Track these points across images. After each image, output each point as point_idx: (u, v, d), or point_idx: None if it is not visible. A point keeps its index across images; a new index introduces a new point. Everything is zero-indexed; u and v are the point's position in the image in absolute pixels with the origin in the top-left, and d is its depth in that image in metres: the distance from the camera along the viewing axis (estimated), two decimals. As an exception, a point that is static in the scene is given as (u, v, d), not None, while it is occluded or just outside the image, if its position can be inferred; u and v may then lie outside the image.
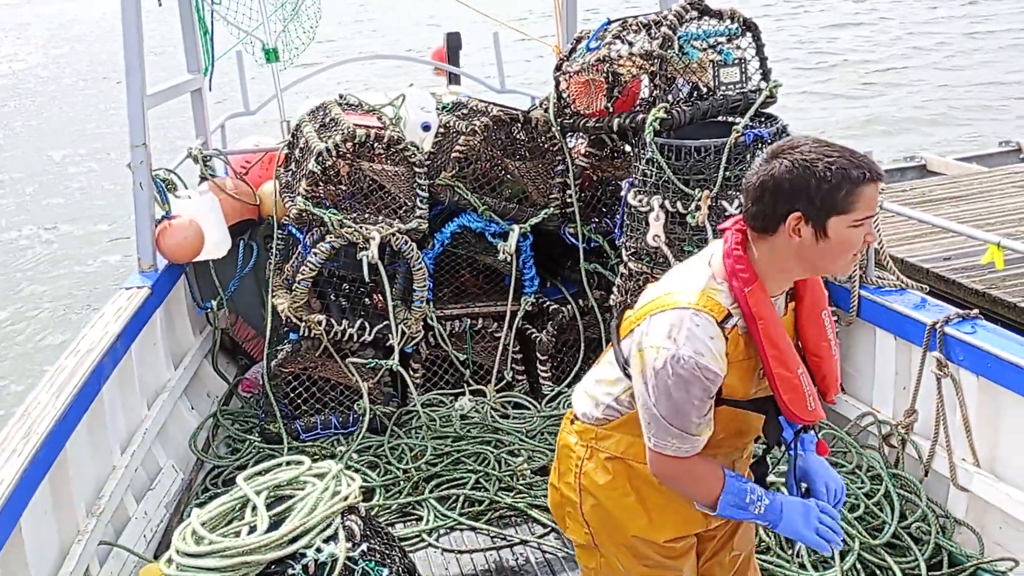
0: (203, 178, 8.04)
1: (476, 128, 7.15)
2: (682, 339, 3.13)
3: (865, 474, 5.81)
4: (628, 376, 3.38)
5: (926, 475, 5.75)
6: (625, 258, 6.57)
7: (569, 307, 7.42)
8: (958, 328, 5.47)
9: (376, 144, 7.06)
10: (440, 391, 7.47)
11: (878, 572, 5.25)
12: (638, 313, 3.31)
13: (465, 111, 7.73)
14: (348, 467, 5.51)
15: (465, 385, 7.51)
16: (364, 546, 4.15)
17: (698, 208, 5.96)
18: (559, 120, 7.15)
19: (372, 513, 5.21)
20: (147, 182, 7.28)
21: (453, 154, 7.19)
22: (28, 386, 10.25)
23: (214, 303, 7.95)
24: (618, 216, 6.76)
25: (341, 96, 8.12)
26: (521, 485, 6.27)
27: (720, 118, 6.42)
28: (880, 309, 6.14)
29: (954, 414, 5.47)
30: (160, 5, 8.20)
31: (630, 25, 6.73)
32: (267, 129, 11.89)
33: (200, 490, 6.61)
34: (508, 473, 6.38)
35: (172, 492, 6.48)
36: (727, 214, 6.10)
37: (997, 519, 5.29)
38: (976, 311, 5.68)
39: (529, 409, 7.23)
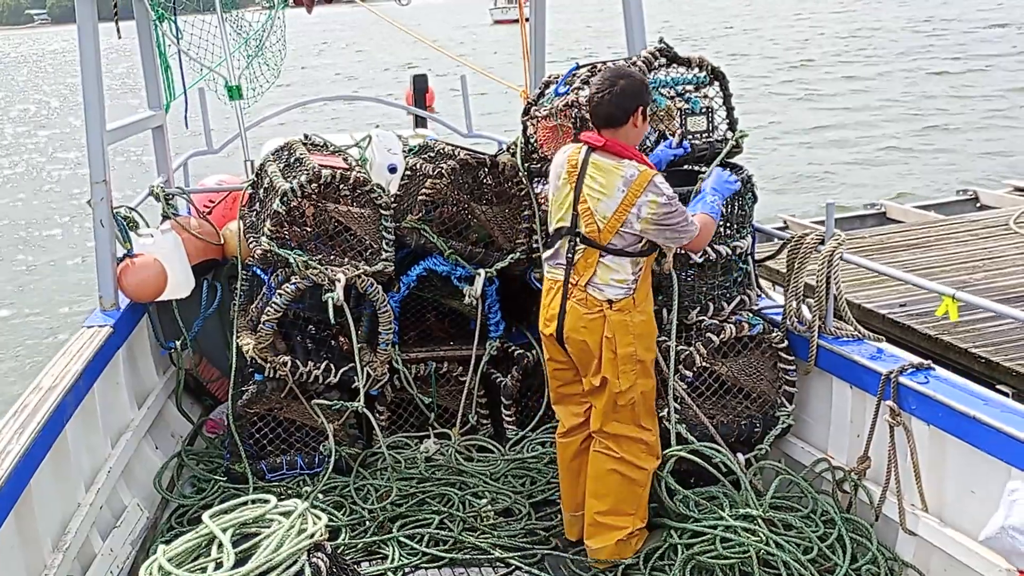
0: (165, 217, 8.14)
1: (443, 171, 7.32)
2: (665, 187, 5.58)
3: (819, 518, 6.15)
4: (634, 253, 5.70)
5: (877, 519, 6.13)
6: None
7: (534, 352, 7.66)
8: (911, 378, 5.86)
9: (342, 185, 7.17)
10: (405, 433, 7.70)
11: (830, 612, 5.67)
12: (631, 191, 5.53)
13: (432, 154, 7.87)
14: (314, 507, 5.42)
15: (430, 428, 7.71)
16: (330, 583, 4.30)
17: (663, 255, 6.21)
18: (526, 165, 7.35)
19: (338, 552, 5.42)
20: (108, 219, 7.43)
21: (420, 197, 7.35)
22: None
23: (178, 343, 8.07)
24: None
25: (306, 136, 8.26)
26: (485, 526, 6.55)
27: (686, 166, 6.69)
28: (837, 359, 6.50)
29: (905, 461, 5.85)
30: (120, 37, 8.30)
31: (598, 70, 6.78)
32: (231, 167, 12.07)
33: (165, 528, 6.78)
34: (472, 514, 6.66)
35: (137, 530, 6.65)
36: (691, 261, 6.51)
37: (942, 562, 5.67)
38: (929, 362, 6.06)
39: (493, 452, 7.49)
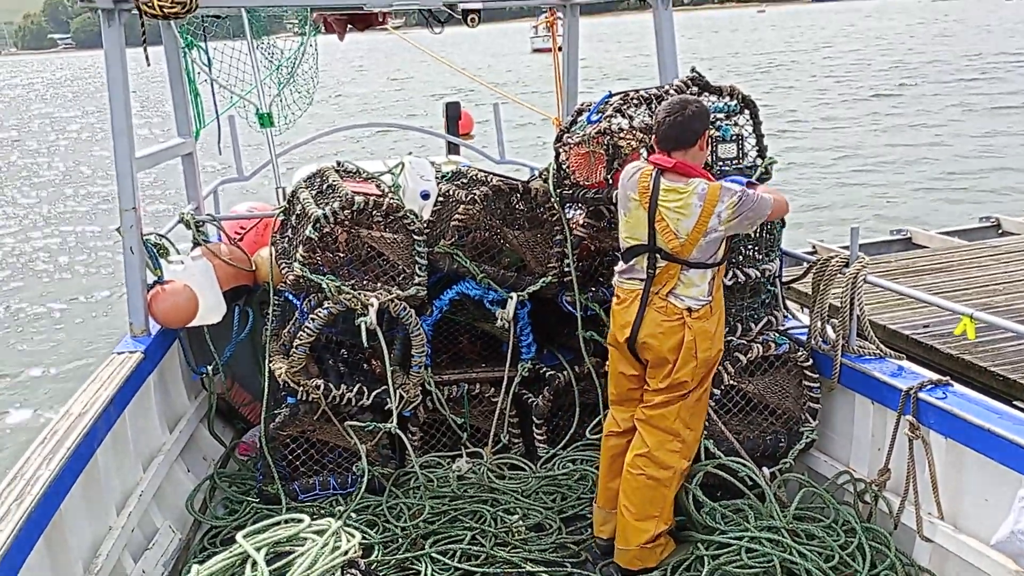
0: (196, 243, 8.38)
1: (476, 197, 7.57)
2: (730, 184, 6.08)
3: (840, 528, 6.53)
4: (712, 264, 6.21)
5: (895, 528, 6.50)
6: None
7: (565, 373, 7.96)
8: (930, 394, 6.27)
9: (375, 211, 7.36)
10: (438, 453, 7.97)
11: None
12: (707, 204, 5.98)
13: (465, 180, 8.11)
14: (347, 525, 5.70)
15: (462, 447, 7.99)
16: (365, 599, 4.54)
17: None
18: (558, 191, 7.62)
19: (371, 568, 5.61)
20: (138, 246, 7.62)
21: (452, 222, 7.59)
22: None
23: (209, 368, 8.33)
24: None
25: (339, 163, 8.44)
26: (516, 541, 6.85)
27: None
28: (859, 376, 6.90)
29: (923, 472, 6.25)
30: (148, 65, 8.50)
31: (631, 99, 7.21)
32: (262, 194, 12.31)
33: (198, 550, 7.02)
34: (504, 530, 6.95)
35: (170, 552, 6.89)
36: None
37: (956, 566, 6.08)
38: (947, 378, 6.45)
39: (525, 470, 7.78)
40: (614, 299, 6.57)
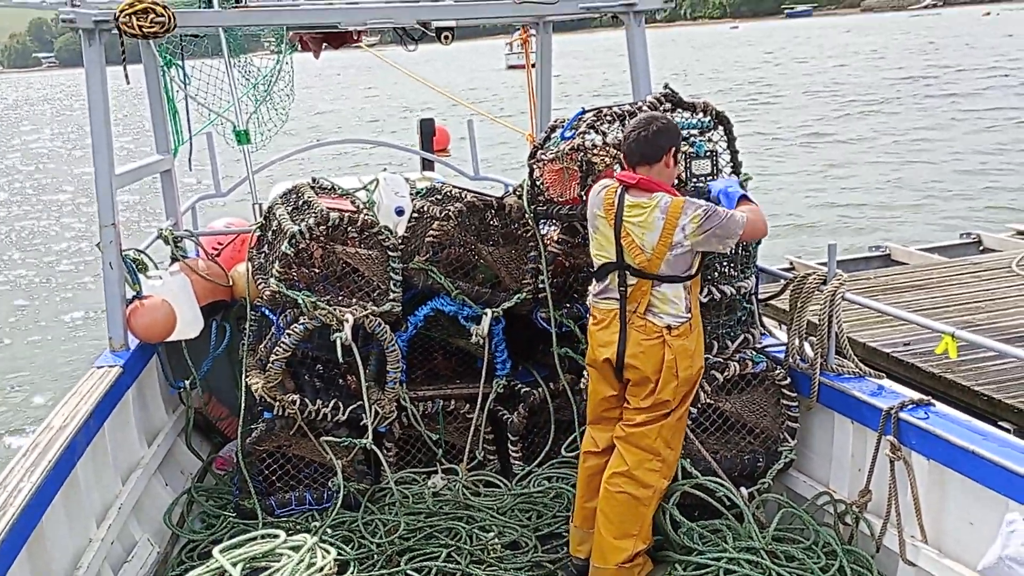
0: (174, 259, 8.40)
1: (450, 213, 7.57)
2: (697, 200, 6.11)
3: (821, 550, 6.41)
4: (684, 278, 6.14)
5: (877, 551, 6.40)
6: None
7: (540, 390, 7.91)
8: (911, 414, 6.16)
9: (350, 228, 7.41)
10: (413, 469, 7.92)
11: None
12: (669, 217, 5.97)
13: (439, 196, 8.09)
14: (323, 541, 5.85)
15: (438, 464, 7.95)
16: (340, 615, 4.54)
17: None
18: (532, 207, 7.58)
19: None
20: (117, 262, 7.66)
21: (427, 239, 7.59)
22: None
23: (187, 383, 8.29)
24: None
25: (314, 180, 8.49)
26: (492, 559, 6.77)
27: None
28: (838, 395, 6.81)
29: (905, 494, 6.14)
30: (128, 83, 8.42)
31: (604, 115, 7.19)
32: (239, 210, 12.31)
33: (176, 563, 6.95)
34: (479, 547, 6.87)
35: (148, 565, 6.85)
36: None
37: None
38: (929, 398, 6.35)
39: (500, 487, 7.72)
40: (591, 320, 6.52)
